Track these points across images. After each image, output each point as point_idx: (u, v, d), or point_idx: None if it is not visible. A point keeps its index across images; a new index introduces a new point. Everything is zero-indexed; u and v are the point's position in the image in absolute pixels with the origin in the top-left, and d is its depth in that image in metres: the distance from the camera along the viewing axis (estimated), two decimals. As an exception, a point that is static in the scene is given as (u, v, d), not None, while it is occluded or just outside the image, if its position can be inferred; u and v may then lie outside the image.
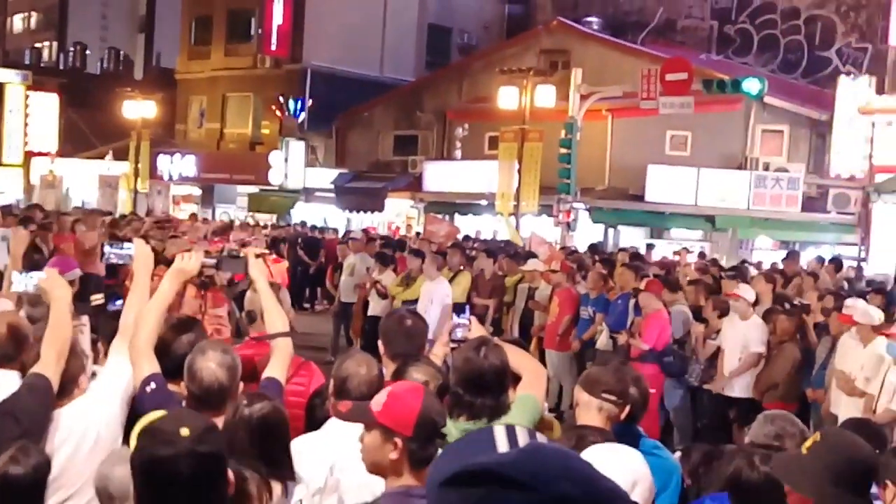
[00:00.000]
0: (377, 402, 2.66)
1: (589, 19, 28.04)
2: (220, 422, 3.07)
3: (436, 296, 10.17)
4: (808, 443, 2.68)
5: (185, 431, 2.13)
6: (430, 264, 10.66)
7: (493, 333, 10.31)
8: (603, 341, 9.88)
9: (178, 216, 23.55)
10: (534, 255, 12.43)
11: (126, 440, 2.78)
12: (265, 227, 21.87)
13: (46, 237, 11.33)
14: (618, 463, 2.77)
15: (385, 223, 25.70)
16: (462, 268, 11.74)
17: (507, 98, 20.74)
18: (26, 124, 31.25)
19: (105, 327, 3.97)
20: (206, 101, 32.80)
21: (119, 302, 3.72)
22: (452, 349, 3.79)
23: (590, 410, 3.48)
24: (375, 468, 2.66)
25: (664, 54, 20.82)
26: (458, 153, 25.82)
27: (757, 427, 3.26)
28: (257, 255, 3.83)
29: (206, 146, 31.67)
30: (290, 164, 27.54)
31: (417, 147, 27.60)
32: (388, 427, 2.60)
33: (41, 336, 3.31)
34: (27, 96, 31.39)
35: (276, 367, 3.49)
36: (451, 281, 10.92)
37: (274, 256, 6.59)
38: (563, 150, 18.89)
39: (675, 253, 16.24)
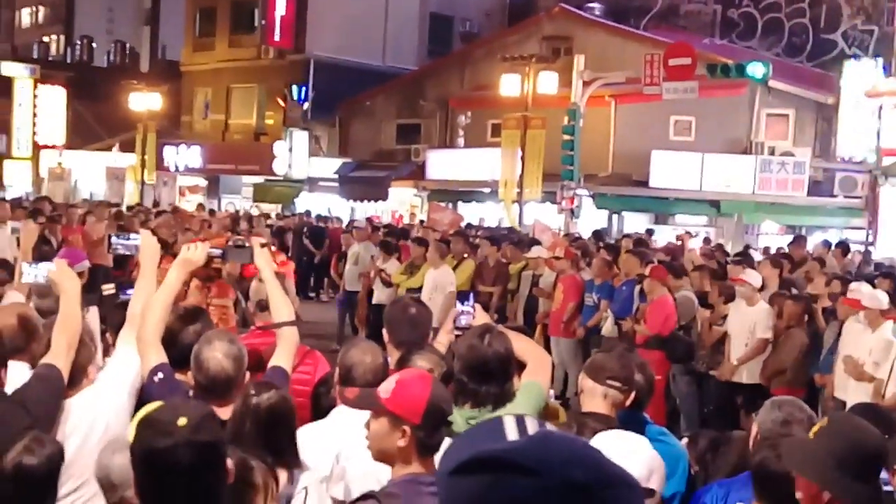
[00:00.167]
0: (385, 389, 2.66)
1: (591, 5, 27.93)
2: (227, 411, 3.10)
3: (440, 283, 10.19)
4: (815, 428, 2.68)
5: (182, 421, 2.15)
6: (434, 252, 10.66)
7: (498, 321, 10.35)
8: (608, 328, 9.88)
9: (184, 207, 23.61)
10: (537, 242, 12.43)
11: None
12: (268, 216, 21.90)
13: (55, 229, 11.38)
14: (634, 451, 2.79)
15: (389, 212, 25.71)
16: (466, 255, 11.75)
17: (509, 85, 20.70)
18: (35, 117, 31.35)
19: (113, 318, 3.99)
20: (211, 92, 32.84)
21: (130, 291, 3.73)
22: (457, 337, 3.80)
23: (595, 397, 3.48)
24: (382, 456, 2.67)
25: (667, 39, 20.74)
26: (461, 141, 25.79)
27: (764, 413, 3.25)
28: (262, 245, 3.84)
29: (212, 137, 31.72)
30: (294, 154, 27.56)
31: (420, 135, 27.59)
32: (396, 414, 2.61)
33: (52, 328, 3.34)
34: (35, 90, 31.49)
35: (282, 357, 3.50)
36: (454, 269, 10.93)
37: (281, 259, 6.59)
38: (567, 137, 18.86)
39: (678, 237, 16.20)
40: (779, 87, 20.86)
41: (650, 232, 17.20)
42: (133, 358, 3.35)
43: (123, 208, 20.15)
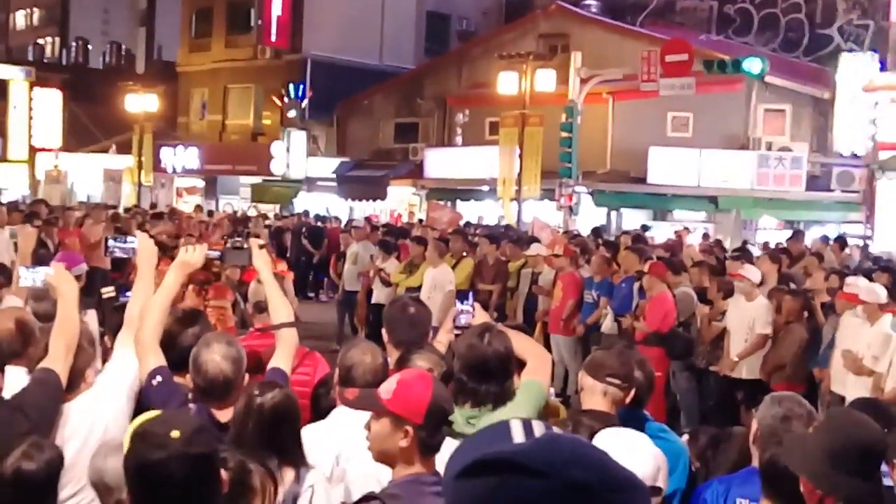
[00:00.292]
0: (386, 389, 2.65)
1: (587, 2, 27.93)
2: (226, 413, 3.09)
3: (439, 282, 10.19)
4: (816, 423, 2.68)
5: (175, 433, 2.14)
6: (433, 251, 10.67)
7: (498, 319, 10.34)
8: (608, 325, 9.89)
9: (181, 208, 23.59)
10: (536, 240, 12.43)
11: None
12: (266, 217, 21.90)
13: (52, 232, 11.37)
14: (639, 450, 2.79)
15: (387, 211, 25.71)
16: (465, 254, 11.74)
17: (506, 83, 20.69)
18: (30, 120, 31.32)
19: (111, 321, 3.99)
20: (208, 93, 32.82)
21: (129, 294, 3.73)
22: (456, 336, 3.79)
23: (594, 395, 3.48)
24: (383, 457, 2.66)
25: (664, 36, 20.74)
26: (459, 139, 25.78)
27: (764, 409, 3.25)
28: (261, 247, 3.83)
29: (209, 138, 31.71)
30: (291, 154, 27.55)
31: (418, 134, 27.58)
32: (398, 415, 2.60)
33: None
34: (31, 92, 31.45)
35: (282, 358, 3.49)
36: (453, 267, 10.93)
37: (282, 267, 6.58)
38: (564, 134, 18.87)
39: (676, 233, 16.21)
40: (775, 82, 20.87)
41: (645, 228, 17.18)
42: (131, 361, 3.35)
43: (120, 210, 20.15)
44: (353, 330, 12.91)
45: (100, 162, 30.68)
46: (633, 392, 3.53)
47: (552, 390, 4.20)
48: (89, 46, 48.73)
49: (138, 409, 3.19)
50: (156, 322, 3.36)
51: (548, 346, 10.29)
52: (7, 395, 3.23)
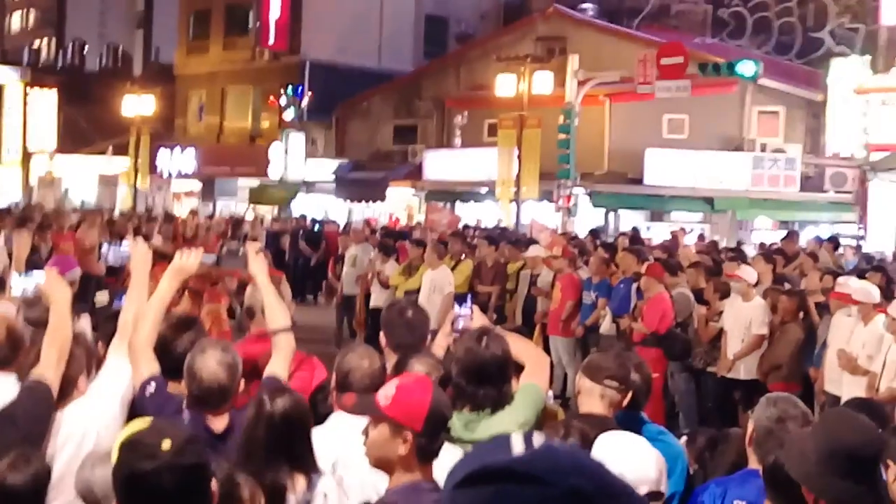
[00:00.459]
0: (385, 395, 2.64)
1: (584, 6, 27.97)
2: (221, 421, 3.08)
3: (438, 284, 10.19)
4: (813, 424, 2.69)
5: (166, 444, 2.12)
6: (432, 253, 10.67)
7: (497, 321, 10.37)
8: (606, 326, 9.89)
9: (178, 211, 23.59)
10: (535, 242, 12.44)
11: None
12: (262, 220, 21.92)
13: (45, 237, 11.33)
14: (641, 454, 2.79)
15: (386, 213, 25.72)
16: (464, 256, 11.74)
17: (504, 85, 20.73)
18: (25, 123, 31.25)
19: (105, 328, 3.96)
20: (206, 95, 32.81)
21: (124, 299, 3.70)
22: (455, 340, 3.80)
23: (592, 397, 3.48)
24: (381, 463, 2.64)
25: (660, 39, 20.80)
26: (458, 141, 25.80)
27: (759, 410, 3.26)
28: (257, 252, 3.83)
29: (206, 140, 31.68)
30: (290, 156, 27.54)
31: (417, 136, 27.60)
32: (398, 421, 2.59)
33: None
34: (26, 95, 31.37)
35: (278, 364, 3.47)
36: (452, 269, 10.93)
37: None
38: (562, 136, 18.91)
39: (672, 234, 16.24)
40: (769, 84, 20.94)
41: (635, 231, 17.17)
42: (124, 368, 3.31)
43: (116, 214, 20.12)
44: (351, 333, 12.90)
45: (95, 165, 30.63)
46: (630, 394, 3.54)
47: (551, 393, 4.20)
48: (86, 48, 48.64)
49: (132, 416, 3.14)
50: (150, 329, 3.34)
51: (547, 348, 10.31)
52: (-2, 403, 3.19)
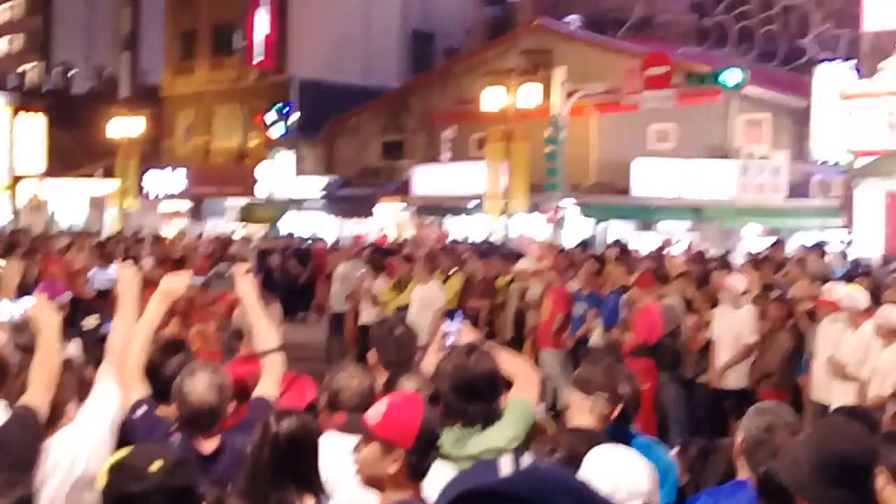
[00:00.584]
0: (375, 414, 2.65)
1: (569, 18, 28.11)
2: (211, 443, 3.08)
3: (428, 300, 10.20)
4: (807, 432, 2.69)
5: (155, 466, 2.12)
6: (421, 269, 10.68)
7: (488, 335, 10.38)
8: (596, 338, 9.90)
9: (167, 233, 23.53)
10: (524, 255, 12.46)
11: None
12: (250, 240, 21.87)
13: (33, 261, 11.29)
14: (634, 468, 2.80)
15: (376, 229, 25.73)
16: (453, 271, 11.76)
17: (491, 99, 20.82)
18: (13, 147, 31.21)
19: (95, 352, 3.95)
20: (193, 115, 32.84)
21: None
22: (444, 356, 3.80)
23: (581, 410, 3.49)
24: (371, 482, 2.65)
25: (644, 49, 20.90)
26: (446, 156, 25.86)
27: (747, 420, 3.27)
28: (245, 273, 3.83)
29: (194, 161, 31.69)
30: (278, 175, 27.56)
31: (405, 152, 27.66)
32: (387, 440, 2.59)
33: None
34: (13, 119, 31.35)
35: (268, 385, 3.47)
36: (442, 284, 10.94)
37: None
38: (550, 148, 18.99)
39: (661, 243, 16.29)
40: (754, 92, 21.05)
41: (618, 242, 17.21)
42: (114, 393, 3.31)
43: (104, 236, 20.05)
44: (341, 351, 12.87)
45: (84, 187, 30.59)
46: (619, 407, 3.55)
47: (542, 407, 4.21)
48: (73, 72, 48.65)
49: (121, 441, 3.15)
50: (138, 352, 3.34)
51: (537, 361, 10.31)
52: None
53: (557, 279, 10.65)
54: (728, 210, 20.69)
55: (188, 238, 20.62)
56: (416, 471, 2.61)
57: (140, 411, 3.21)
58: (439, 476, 2.87)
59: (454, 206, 23.71)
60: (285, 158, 27.73)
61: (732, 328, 8.48)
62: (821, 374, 7.57)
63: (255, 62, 30.27)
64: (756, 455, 3.06)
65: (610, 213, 22.01)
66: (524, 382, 3.67)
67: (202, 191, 29.56)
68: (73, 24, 50.85)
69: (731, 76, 16.76)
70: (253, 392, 3.47)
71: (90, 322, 5.20)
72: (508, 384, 3.62)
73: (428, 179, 24.85)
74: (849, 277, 9.61)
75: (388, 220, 26.19)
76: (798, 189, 20.41)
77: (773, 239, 17.70)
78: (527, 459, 1.34)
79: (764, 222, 20.94)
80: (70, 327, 4.76)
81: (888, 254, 15.96)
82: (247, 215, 28.11)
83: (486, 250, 13.86)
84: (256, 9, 29.94)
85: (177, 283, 3.59)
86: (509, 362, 3.69)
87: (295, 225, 25.19)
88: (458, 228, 22.66)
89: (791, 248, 15.35)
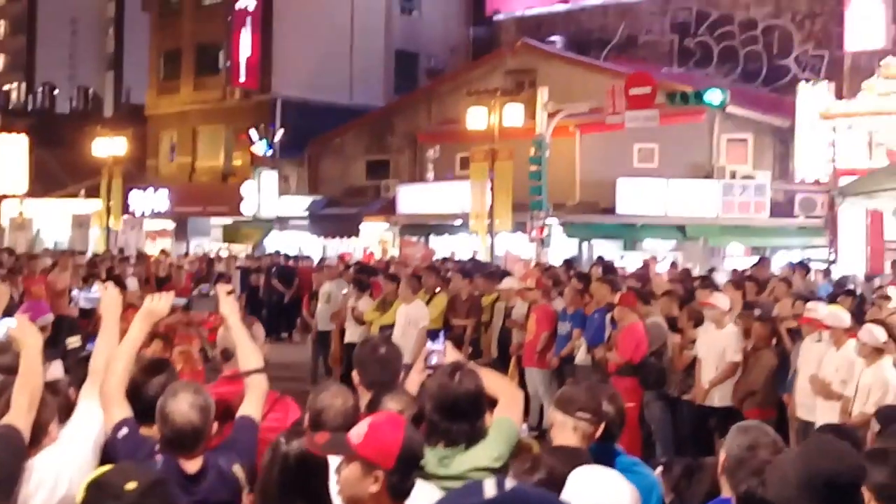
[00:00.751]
0: (357, 434, 2.65)
1: (552, 38, 28.30)
2: (194, 464, 3.06)
3: (413, 318, 10.19)
4: (798, 449, 2.70)
5: (131, 485, 2.12)
6: (406, 287, 10.67)
7: (473, 354, 10.38)
8: (581, 356, 9.91)
9: (150, 251, 23.45)
10: (509, 274, 12.47)
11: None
12: (236, 258, 21.82)
13: (16, 281, 11.22)
14: (617, 490, 2.80)
15: (361, 248, 25.72)
16: (438, 289, 11.76)
17: (475, 119, 20.88)
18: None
19: (77, 372, 3.93)
20: (177, 135, 32.81)
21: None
22: (428, 376, 3.80)
23: (565, 430, 3.49)
24: (353, 502, 2.64)
25: (627, 69, 21.06)
26: (430, 175, 25.92)
27: (731, 438, 3.28)
28: (228, 293, 3.83)
29: (179, 180, 31.63)
30: (262, 194, 27.53)
31: (389, 171, 27.71)
32: (369, 460, 2.59)
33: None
34: (-5, 139, 31.26)
35: (251, 405, 3.47)
36: (427, 303, 10.93)
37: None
38: (534, 168, 19.04)
39: (644, 262, 16.35)
40: (736, 112, 21.25)
41: (601, 259, 17.28)
42: (96, 413, 3.29)
43: (89, 255, 19.96)
44: (327, 370, 12.83)
45: (68, 207, 30.46)
46: (603, 426, 3.55)
47: (525, 426, 4.20)
48: (56, 91, 48.56)
49: (104, 461, 3.13)
50: (121, 373, 3.32)
51: (523, 380, 10.31)
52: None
53: (542, 298, 10.66)
54: (712, 229, 20.82)
55: (172, 257, 20.55)
56: (397, 491, 2.60)
57: (123, 432, 3.19)
58: (423, 496, 2.87)
59: (439, 225, 23.73)
60: (269, 178, 27.72)
61: (717, 346, 8.51)
62: (805, 392, 7.60)
63: (239, 82, 30.30)
64: (738, 473, 3.06)
65: (594, 232, 22.09)
66: (508, 401, 3.67)
67: (186, 210, 29.47)
68: (57, 43, 50.81)
69: (714, 96, 16.90)
70: (237, 412, 3.46)
71: (73, 342, 5.17)
72: (492, 403, 3.62)
73: (412, 198, 24.88)
74: (833, 297, 9.68)
75: (373, 239, 26.18)
76: (781, 208, 20.57)
77: (756, 257, 17.81)
78: (510, 482, 1.35)
79: (747, 241, 21.09)
80: (53, 347, 4.73)
81: (870, 272, 16.08)
82: (231, 234, 28.04)
83: (470, 269, 13.86)
84: (240, 29, 30.00)
85: (159, 305, 3.58)
86: (493, 381, 3.69)
87: (279, 244, 25.14)
88: (443, 247, 22.67)
89: (775, 266, 15.44)
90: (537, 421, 9.98)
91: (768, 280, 11.99)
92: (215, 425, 3.22)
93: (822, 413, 7.21)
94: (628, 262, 18.30)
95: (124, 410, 3.26)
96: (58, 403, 3.41)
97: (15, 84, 52.85)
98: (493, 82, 23.05)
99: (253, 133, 28.06)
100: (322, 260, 20.45)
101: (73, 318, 9.55)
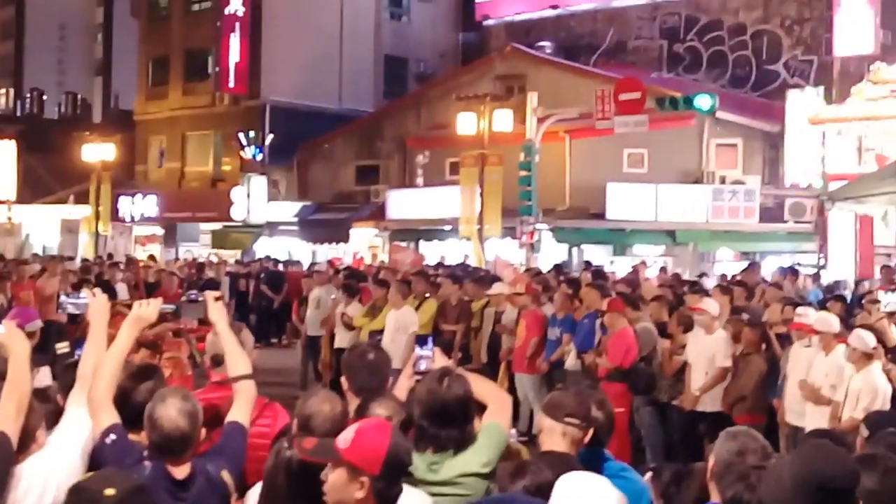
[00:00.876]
0: (344, 439, 2.65)
1: (542, 44, 28.36)
2: (183, 470, 3.05)
3: (402, 324, 10.18)
4: (793, 453, 2.70)
5: (109, 492, 2.13)
6: (396, 293, 10.66)
7: (462, 359, 10.37)
8: (571, 362, 9.91)
9: (139, 257, 23.38)
10: (499, 279, 12.47)
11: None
12: (225, 263, 21.77)
13: (4, 287, 11.17)
14: (602, 497, 2.79)
15: (350, 253, 25.69)
16: (428, 295, 11.75)
17: (465, 124, 20.90)
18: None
19: (65, 378, 3.92)
20: (166, 140, 32.72)
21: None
22: (417, 381, 3.79)
23: (553, 435, 3.48)
24: (339, 508, 2.64)
25: (617, 75, 21.13)
26: (420, 180, 25.92)
27: (719, 444, 3.28)
28: (216, 299, 3.81)
29: (168, 185, 31.55)
30: (252, 200, 27.48)
31: (379, 176, 27.70)
32: (354, 465, 2.58)
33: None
34: (-17, 146, 31.09)
35: (240, 411, 3.46)
36: (417, 308, 10.92)
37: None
38: (523, 173, 19.07)
39: (633, 268, 16.38)
40: (726, 117, 21.33)
41: (588, 264, 17.31)
42: (84, 419, 3.29)
43: (78, 261, 19.89)
44: (316, 376, 12.80)
45: (56, 213, 30.33)
46: (591, 432, 3.54)
47: (514, 431, 4.20)
48: (44, 97, 48.41)
49: (93, 468, 3.12)
50: (109, 379, 3.31)
51: (512, 385, 10.30)
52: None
53: (532, 303, 10.66)
54: (702, 234, 20.88)
55: (161, 263, 20.49)
56: (383, 498, 2.60)
57: (111, 437, 3.18)
58: (412, 502, 2.86)
59: (428, 231, 23.73)
60: (259, 183, 27.68)
61: (706, 352, 8.52)
62: (794, 398, 7.62)
63: (228, 87, 30.26)
64: (726, 479, 3.06)
65: (584, 237, 22.13)
66: (497, 407, 3.67)
67: (175, 215, 29.40)
68: (45, 49, 50.69)
69: (703, 101, 16.96)
70: (225, 418, 3.45)
71: (62, 347, 5.15)
72: (481, 408, 3.61)
73: (402, 204, 24.88)
74: (823, 303, 9.71)
75: (363, 245, 26.15)
76: (771, 213, 20.65)
77: (746, 262, 17.87)
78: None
79: (737, 246, 21.15)
80: (42, 353, 4.71)
81: (859, 276, 16.15)
82: (220, 240, 27.97)
83: (460, 274, 13.86)
84: (229, 34, 29.97)
85: (147, 311, 3.56)
86: (482, 387, 3.69)
87: (269, 250, 25.09)
88: (433, 253, 22.66)
89: (765, 271, 15.48)
90: (527, 426, 9.97)
91: (757, 285, 12.02)
92: (204, 431, 3.21)
93: (812, 418, 7.22)
94: (618, 267, 18.33)
95: (112, 416, 3.25)
96: (46, 410, 3.39)
97: (3, 90, 52.68)
98: (482, 87, 23.08)
99: (242, 137, 28.01)
100: (312, 265, 20.41)
101: (61, 323, 9.50)
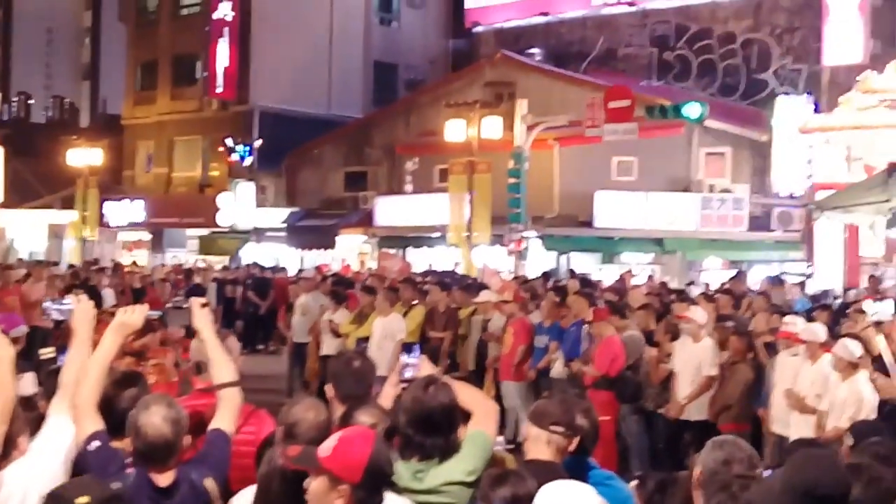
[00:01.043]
0: (325, 447, 2.64)
1: (531, 51, 28.43)
2: (167, 477, 3.03)
3: (389, 331, 10.16)
4: (787, 462, 2.71)
5: (82, 500, 2.11)
6: (383, 300, 10.65)
7: (450, 367, 10.35)
8: (558, 370, 9.91)
9: (125, 262, 23.27)
10: (486, 287, 12.47)
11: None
12: (212, 269, 21.70)
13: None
14: (588, 503, 2.78)
15: (338, 260, 25.64)
16: (415, 302, 11.73)
17: (454, 131, 20.92)
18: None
19: (50, 384, 3.89)
20: (154, 145, 32.62)
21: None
22: (402, 389, 3.78)
23: (539, 444, 3.48)
24: (321, 516, 2.63)
25: (606, 83, 21.19)
26: (409, 187, 25.91)
27: (705, 453, 3.28)
28: (202, 305, 3.79)
29: (155, 191, 31.45)
30: (239, 205, 27.41)
31: (368, 183, 27.68)
32: (334, 473, 2.57)
33: None
34: (-31, 150, 30.80)
35: (223, 419, 3.44)
36: (404, 316, 10.90)
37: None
38: (512, 180, 19.09)
39: (621, 276, 16.41)
40: (715, 126, 21.42)
41: (572, 272, 17.33)
42: (66, 426, 3.26)
43: (63, 266, 19.78)
44: (303, 383, 12.75)
45: (43, 217, 30.16)
46: (577, 440, 3.54)
47: (501, 439, 4.19)
48: (31, 101, 48.20)
49: (76, 474, 3.10)
50: (93, 385, 3.29)
51: (499, 393, 10.29)
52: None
53: (519, 311, 10.67)
54: (690, 242, 20.94)
55: (147, 269, 20.41)
56: None
57: (94, 444, 3.16)
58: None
59: (417, 238, 23.71)
60: (246, 189, 27.62)
61: (693, 360, 8.54)
62: (780, 407, 7.63)
63: (216, 92, 30.20)
64: (710, 488, 3.07)
65: (572, 245, 22.15)
66: (482, 415, 3.66)
67: (162, 221, 29.29)
68: (33, 53, 50.44)
69: (693, 109, 17.01)
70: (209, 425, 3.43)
71: (46, 353, 5.12)
72: (466, 417, 3.60)
73: (390, 210, 24.86)
74: (810, 313, 9.74)
75: (351, 252, 26.11)
76: (759, 221, 20.73)
77: (734, 271, 17.92)
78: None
79: (725, 254, 21.22)
80: (26, 359, 4.67)
81: (846, 286, 16.22)
82: (207, 246, 27.88)
83: (448, 282, 13.85)
84: (218, 39, 29.92)
85: (132, 317, 3.54)
86: (468, 394, 3.68)
87: (256, 256, 25.02)
88: (421, 260, 22.65)
89: (752, 279, 15.52)
90: (514, 434, 9.95)
91: (744, 294, 12.06)
92: (188, 438, 3.20)
93: (797, 427, 7.23)
94: (605, 275, 18.36)
95: (96, 423, 3.23)
96: (29, 416, 3.37)
97: (-10, 94, 52.40)
98: (471, 94, 23.11)
99: (229, 141, 27.94)
100: (299, 272, 20.36)
101: (46, 329, 9.46)
